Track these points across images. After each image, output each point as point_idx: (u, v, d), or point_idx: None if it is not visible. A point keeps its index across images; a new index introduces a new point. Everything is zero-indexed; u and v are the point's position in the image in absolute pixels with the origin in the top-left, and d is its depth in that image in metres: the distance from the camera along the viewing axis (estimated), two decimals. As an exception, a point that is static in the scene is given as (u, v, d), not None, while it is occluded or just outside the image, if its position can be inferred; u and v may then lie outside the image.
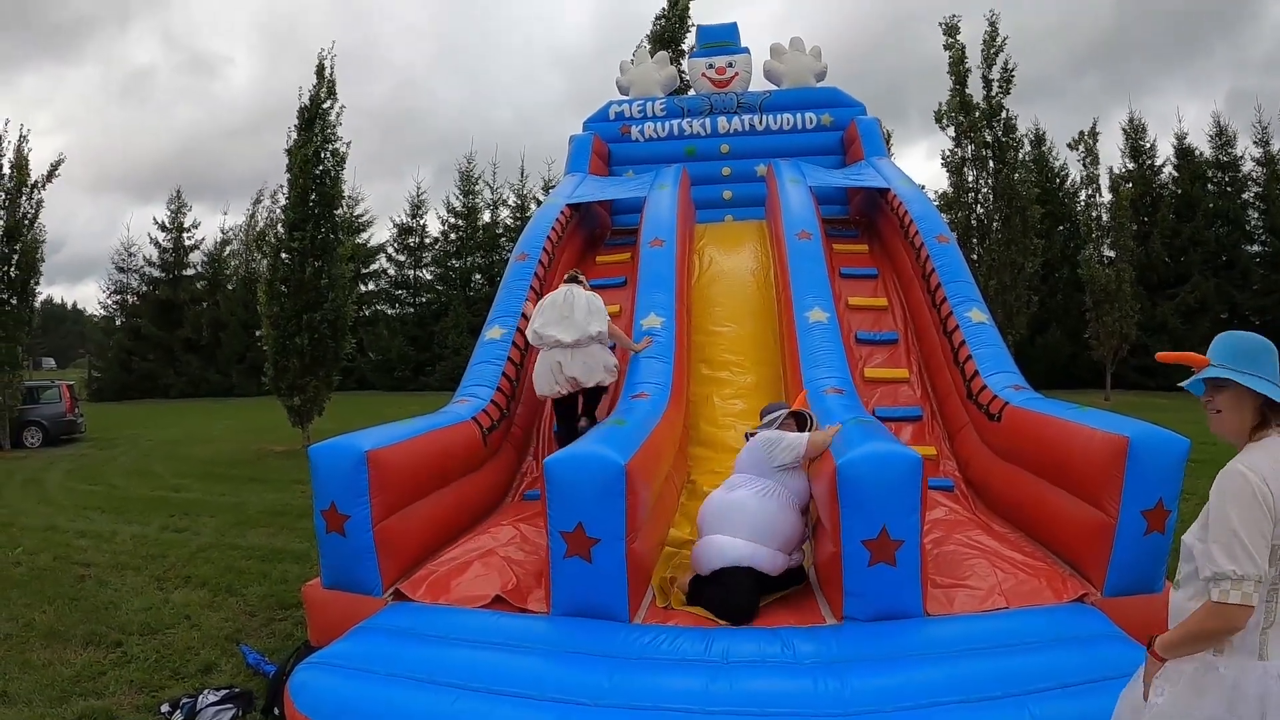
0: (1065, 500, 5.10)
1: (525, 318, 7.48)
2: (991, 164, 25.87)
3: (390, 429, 5.39)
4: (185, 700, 4.68)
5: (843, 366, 6.85)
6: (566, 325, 6.80)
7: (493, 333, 7.67)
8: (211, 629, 5.98)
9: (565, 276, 7.43)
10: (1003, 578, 4.90)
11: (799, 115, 11.91)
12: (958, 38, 25.96)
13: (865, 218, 10.83)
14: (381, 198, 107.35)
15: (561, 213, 9.57)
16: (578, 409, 7.17)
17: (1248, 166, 32.97)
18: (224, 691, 4.76)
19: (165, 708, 4.68)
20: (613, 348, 7.15)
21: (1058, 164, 34.71)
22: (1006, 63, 25.67)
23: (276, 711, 4.42)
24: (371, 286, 41.51)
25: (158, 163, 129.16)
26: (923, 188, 9.90)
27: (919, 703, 3.60)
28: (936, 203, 22.33)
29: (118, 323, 42.03)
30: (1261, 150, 32.32)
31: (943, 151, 27.23)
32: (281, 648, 5.52)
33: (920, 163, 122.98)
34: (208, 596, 6.77)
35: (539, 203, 39.40)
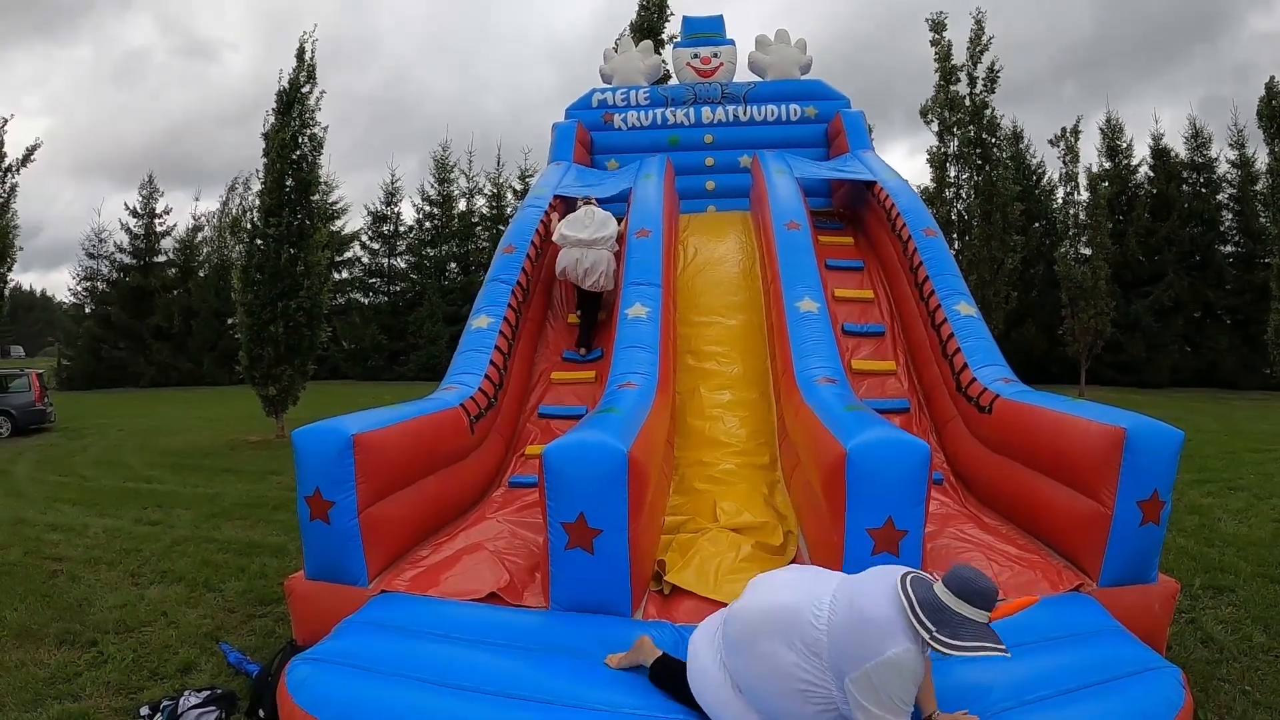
0: (1059, 491, 5.08)
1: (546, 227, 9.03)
2: (975, 161, 25.98)
3: (376, 413, 5.25)
4: (166, 702, 4.52)
5: (834, 356, 6.77)
6: (584, 228, 8.54)
7: (480, 321, 7.57)
8: (190, 627, 5.82)
9: (581, 200, 8.99)
10: (999, 570, 4.89)
11: (783, 107, 11.84)
12: (944, 34, 26.03)
13: (849, 210, 10.79)
14: (368, 186, 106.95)
15: (549, 204, 9.46)
16: (598, 305, 8.83)
17: (1223, 168, 33.40)
18: (206, 693, 4.60)
19: (145, 710, 4.52)
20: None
21: (1034, 162, 35.00)
22: (993, 64, 25.78)
23: (261, 713, 4.30)
24: (345, 275, 41.21)
25: (146, 148, 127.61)
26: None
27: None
28: (915, 197, 22.29)
29: (88, 310, 41.53)
30: (1236, 153, 32.71)
31: (929, 149, 27.33)
32: (263, 646, 5.40)
33: (902, 159, 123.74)
34: (184, 592, 6.60)
35: (515, 191, 39.51)
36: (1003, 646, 3.05)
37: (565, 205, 9.68)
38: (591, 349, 8.54)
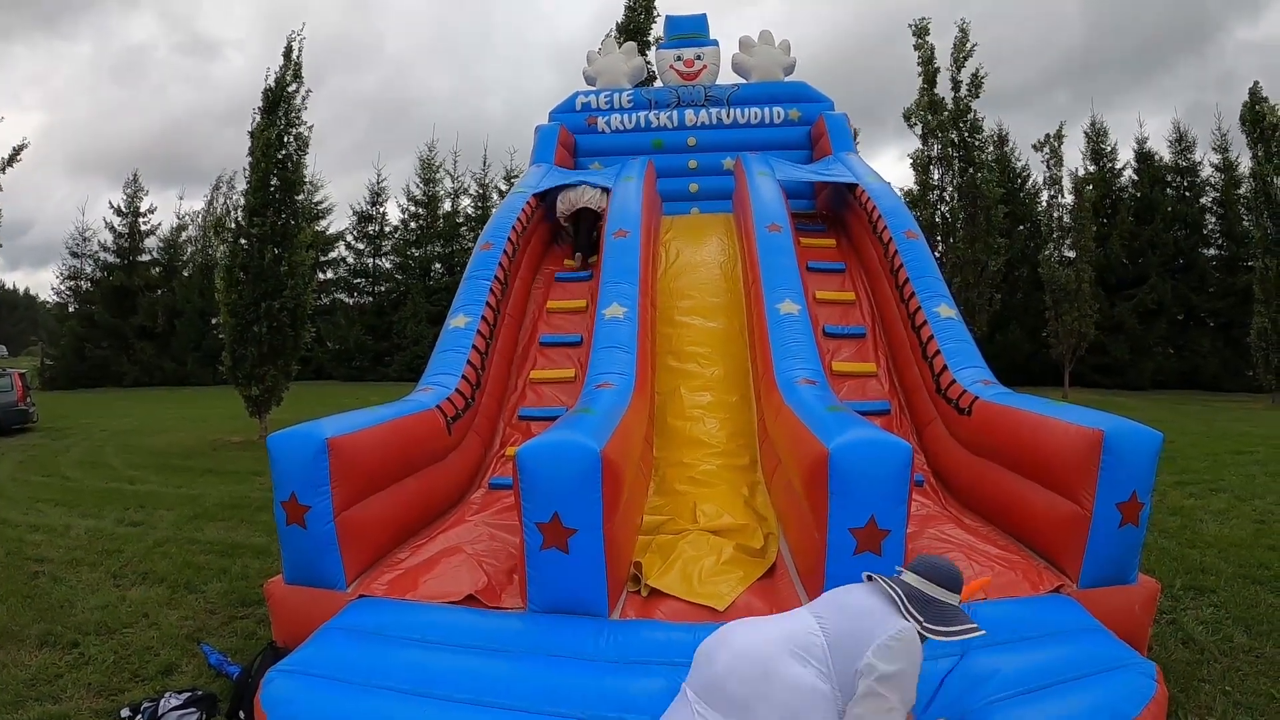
0: (1038, 493, 5.09)
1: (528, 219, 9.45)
2: (957, 163, 26.13)
3: (351, 416, 5.23)
4: (146, 704, 4.50)
5: (814, 358, 6.79)
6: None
7: (457, 321, 7.56)
8: (171, 628, 5.80)
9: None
10: (980, 570, 4.89)
11: (767, 109, 11.82)
12: (927, 39, 26.21)
13: (832, 212, 10.79)
14: (359, 187, 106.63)
15: (527, 203, 9.47)
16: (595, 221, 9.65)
17: (1206, 172, 33.63)
18: (186, 694, 4.57)
19: (126, 712, 4.50)
20: None
21: (1019, 165, 35.15)
22: (977, 71, 25.96)
23: (241, 715, 4.28)
24: (330, 275, 41.14)
25: (143, 146, 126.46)
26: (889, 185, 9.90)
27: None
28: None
29: (71, 309, 41.30)
30: (1220, 157, 32.93)
31: (910, 152, 27.54)
32: (244, 647, 5.38)
33: (892, 164, 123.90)
34: (166, 593, 6.58)
35: (500, 192, 39.46)
36: (976, 625, 3.10)
37: (543, 208, 9.78)
38: (589, 260, 9.45)
